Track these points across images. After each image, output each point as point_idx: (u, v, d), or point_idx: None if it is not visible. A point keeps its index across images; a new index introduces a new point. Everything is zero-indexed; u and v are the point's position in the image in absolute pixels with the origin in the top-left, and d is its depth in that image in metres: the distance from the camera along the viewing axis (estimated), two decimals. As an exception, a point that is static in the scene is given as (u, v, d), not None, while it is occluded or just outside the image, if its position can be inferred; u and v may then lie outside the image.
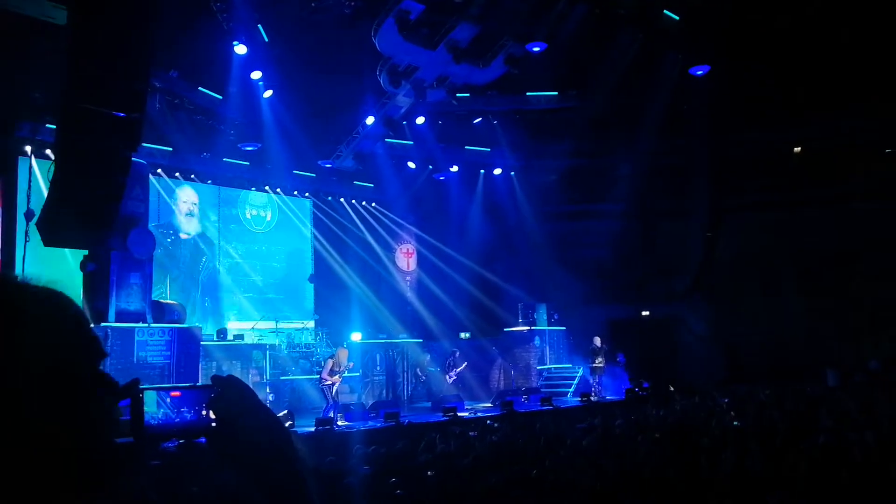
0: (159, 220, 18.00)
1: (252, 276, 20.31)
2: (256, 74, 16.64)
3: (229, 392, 1.23)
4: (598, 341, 18.07)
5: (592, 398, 17.15)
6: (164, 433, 1.47)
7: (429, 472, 6.01)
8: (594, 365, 18.04)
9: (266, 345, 17.47)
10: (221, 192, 20.34)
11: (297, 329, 19.08)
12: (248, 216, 21.02)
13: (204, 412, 1.45)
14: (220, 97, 17.58)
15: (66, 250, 14.24)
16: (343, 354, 14.48)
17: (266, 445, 1.19)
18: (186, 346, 13.71)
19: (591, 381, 18.18)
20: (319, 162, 20.51)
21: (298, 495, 1.17)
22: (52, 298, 1.04)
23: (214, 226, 20.14)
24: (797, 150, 22.86)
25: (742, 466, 5.57)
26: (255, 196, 21.11)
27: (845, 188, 21.61)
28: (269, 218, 21.45)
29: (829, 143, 21.99)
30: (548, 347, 20.66)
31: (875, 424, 7.66)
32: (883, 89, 19.48)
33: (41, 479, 0.92)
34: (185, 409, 1.48)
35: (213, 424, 1.22)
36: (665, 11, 16.59)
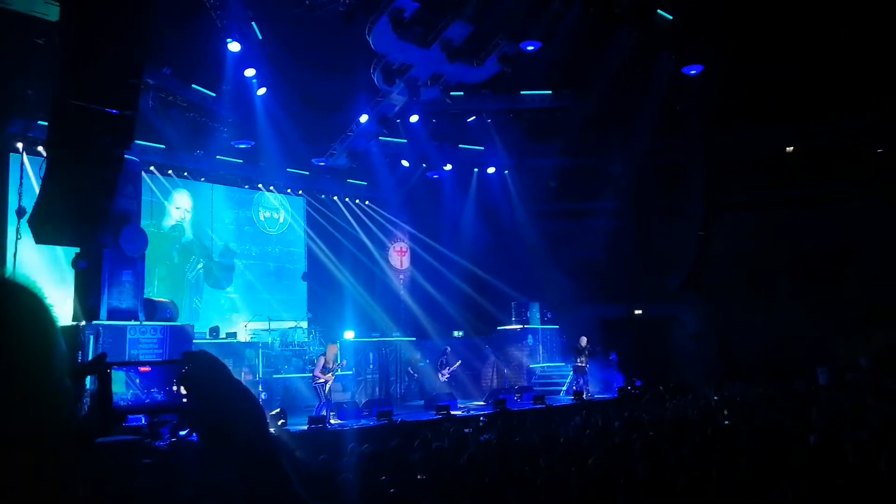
0: (152, 218, 17.96)
1: (250, 276, 20.37)
2: (250, 72, 16.60)
3: (200, 367, 1.21)
4: (583, 341, 18.00)
5: (585, 397, 17.15)
6: (134, 410, 1.45)
7: (419, 476, 6.00)
8: (577, 364, 18.01)
9: (259, 343, 17.43)
10: (234, 194, 20.46)
11: (290, 327, 19.06)
12: (262, 218, 21.22)
13: (174, 388, 1.43)
14: (214, 95, 17.53)
15: (58, 247, 14.19)
16: (332, 350, 14.48)
17: (238, 420, 1.16)
18: (178, 344, 13.64)
19: (576, 380, 18.14)
20: (313, 160, 20.49)
21: (273, 472, 1.15)
22: (9, 291, 1.01)
23: (229, 228, 20.29)
24: (790, 149, 22.97)
25: (733, 465, 5.59)
26: (267, 198, 21.27)
27: (838, 187, 21.73)
28: (281, 220, 21.58)
29: (823, 143, 22.09)
30: (541, 346, 20.67)
31: (866, 423, 7.70)
32: (876, 90, 19.59)
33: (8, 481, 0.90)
34: (156, 390, 1.45)
35: (185, 400, 1.19)
36: (659, 11, 16.63)
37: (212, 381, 1.19)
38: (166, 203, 18.62)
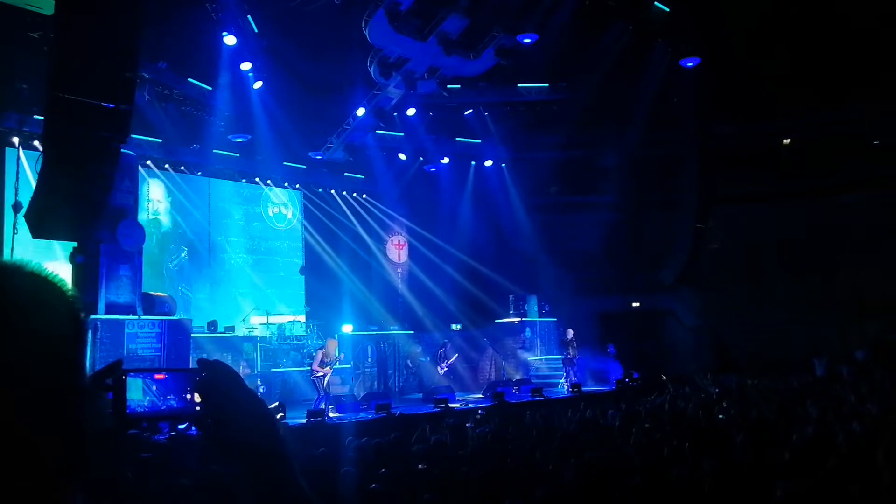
0: (149, 213, 17.94)
1: (259, 271, 20.50)
2: (246, 65, 16.54)
3: (216, 375, 1.24)
4: (570, 333, 18.16)
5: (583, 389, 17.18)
6: (149, 417, 1.48)
7: (419, 466, 6.03)
8: (566, 356, 18.16)
9: (257, 337, 17.44)
10: (243, 190, 20.57)
11: (289, 321, 19.07)
12: (271, 213, 21.35)
13: (189, 396, 1.46)
14: (210, 88, 17.49)
15: (55, 242, 14.18)
16: (332, 345, 14.53)
17: (253, 429, 1.19)
18: (177, 338, 13.69)
19: (566, 372, 18.22)
20: (310, 153, 20.46)
21: (286, 480, 1.17)
22: (39, 285, 1.02)
23: (238, 224, 20.43)
24: (786, 141, 22.98)
25: (729, 457, 5.62)
26: (276, 193, 21.41)
27: (833, 179, 21.75)
28: (290, 215, 21.69)
29: (818, 135, 22.09)
30: (539, 339, 20.71)
31: (862, 414, 7.74)
32: (871, 81, 19.59)
33: (14, 474, 0.91)
34: (172, 397, 1.48)
35: (198, 408, 1.22)
36: (655, 3, 16.60)
37: (226, 390, 1.22)
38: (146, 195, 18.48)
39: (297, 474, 1.19)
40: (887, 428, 6.09)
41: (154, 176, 18.47)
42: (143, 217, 18.03)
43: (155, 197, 18.73)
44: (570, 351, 18.07)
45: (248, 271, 20.30)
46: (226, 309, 19.03)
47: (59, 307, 1.01)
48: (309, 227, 21.78)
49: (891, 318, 19.60)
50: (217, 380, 1.24)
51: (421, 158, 22.56)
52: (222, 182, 20.12)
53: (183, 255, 18.98)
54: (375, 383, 18.43)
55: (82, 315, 1.04)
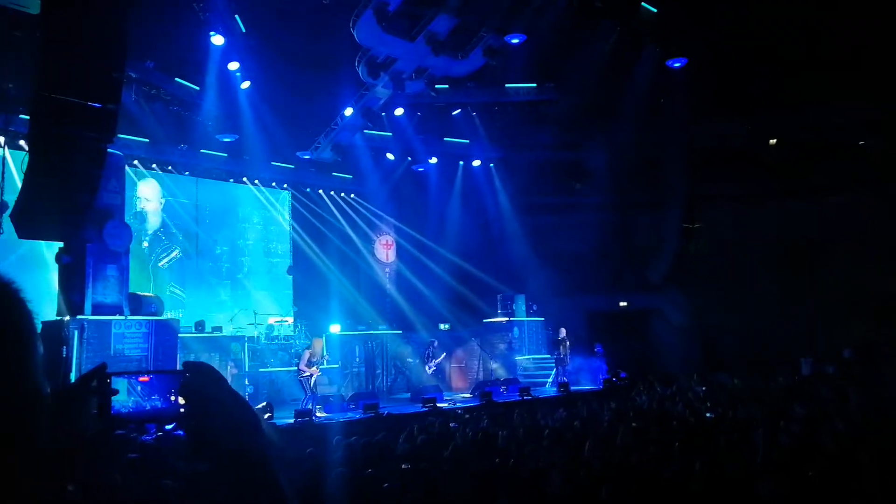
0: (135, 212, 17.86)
1: (241, 272, 20.59)
2: (234, 65, 16.50)
3: (200, 377, 1.24)
4: (562, 332, 18.26)
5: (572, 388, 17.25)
6: (134, 419, 1.49)
7: (403, 466, 6.04)
8: (558, 356, 18.24)
9: (244, 337, 17.38)
10: (263, 195, 20.98)
11: (276, 321, 19.03)
12: (289, 217, 21.75)
13: (173, 398, 1.47)
14: (198, 88, 17.42)
15: (41, 242, 14.09)
16: (318, 344, 14.53)
17: (234, 431, 1.19)
18: (164, 338, 13.61)
19: (558, 372, 18.30)
20: (298, 153, 20.43)
21: (267, 483, 1.17)
22: None
23: (256, 228, 20.86)
24: (773, 141, 23.13)
25: (716, 456, 5.66)
26: (282, 197, 21.83)
27: (820, 179, 21.91)
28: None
29: (805, 135, 22.24)
30: (526, 338, 20.76)
31: (848, 414, 7.81)
32: (857, 82, 19.74)
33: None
34: (156, 397, 1.48)
35: (182, 410, 1.23)
36: (643, 4, 16.67)
37: (209, 392, 1.22)
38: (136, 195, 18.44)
39: (278, 476, 1.19)
40: (872, 428, 6.15)
41: (143, 176, 18.45)
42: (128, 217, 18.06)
43: (143, 195, 18.70)
44: (562, 350, 18.15)
45: (239, 272, 20.25)
46: (215, 309, 19.00)
47: (12, 308, 1.01)
48: (297, 226, 21.76)
49: (878, 317, 19.75)
50: (200, 382, 1.24)
51: (409, 158, 22.55)
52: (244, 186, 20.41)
53: (175, 253, 18.95)
54: (363, 383, 18.43)
55: (32, 314, 1.04)
